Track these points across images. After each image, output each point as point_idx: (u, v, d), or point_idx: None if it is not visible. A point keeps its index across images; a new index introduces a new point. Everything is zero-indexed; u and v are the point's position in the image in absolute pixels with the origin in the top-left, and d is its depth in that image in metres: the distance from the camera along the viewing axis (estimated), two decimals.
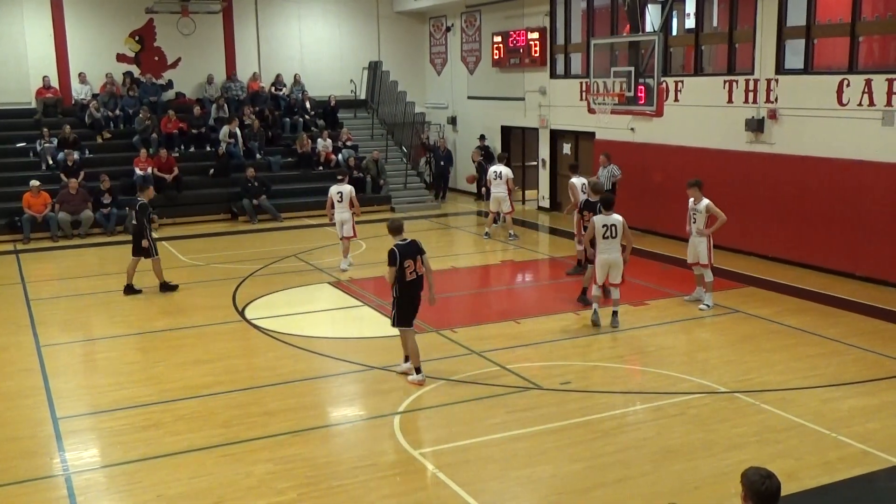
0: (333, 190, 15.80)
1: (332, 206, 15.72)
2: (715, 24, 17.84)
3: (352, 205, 15.70)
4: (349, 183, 16.38)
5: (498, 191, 18.44)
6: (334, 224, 15.88)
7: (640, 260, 15.82)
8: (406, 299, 9.94)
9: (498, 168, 18.60)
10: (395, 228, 10.08)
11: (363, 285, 14.75)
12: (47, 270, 16.90)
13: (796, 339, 11.34)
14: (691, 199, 12.76)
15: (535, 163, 23.45)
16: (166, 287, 14.48)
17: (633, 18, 17.08)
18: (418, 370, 9.95)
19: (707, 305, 12.72)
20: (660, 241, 17.49)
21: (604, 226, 11.76)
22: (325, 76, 26.60)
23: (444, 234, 20.21)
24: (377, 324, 12.51)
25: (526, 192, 24.38)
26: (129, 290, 14.35)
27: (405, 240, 10.00)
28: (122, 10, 24.26)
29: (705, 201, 12.60)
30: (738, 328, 11.96)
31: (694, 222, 12.76)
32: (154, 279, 14.52)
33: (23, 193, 19.58)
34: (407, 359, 10.19)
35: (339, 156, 23.87)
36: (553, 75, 22.06)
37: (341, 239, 15.86)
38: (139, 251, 14.25)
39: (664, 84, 17.58)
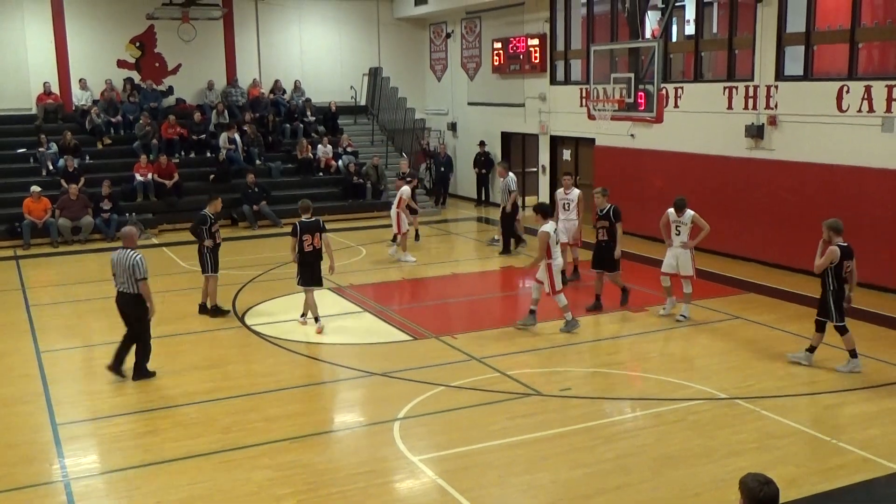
0: None
1: None
2: (715, 30, 17.88)
3: (398, 204, 17.18)
4: (407, 184, 17.91)
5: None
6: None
7: (640, 266, 15.85)
8: (303, 265, 12.25)
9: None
10: (304, 208, 12.33)
11: (363, 291, 14.75)
12: (47, 276, 16.90)
13: (796, 346, 11.32)
14: (671, 210, 12.61)
15: (535, 169, 23.47)
16: (216, 311, 13.23)
17: (633, 24, 17.10)
18: (317, 319, 12.33)
19: (684, 316, 12.55)
20: (660, 247, 17.46)
21: (555, 231, 12.02)
22: (326, 82, 26.64)
23: (444, 240, 20.20)
24: (377, 330, 12.50)
25: (526, 198, 24.37)
26: (216, 311, 13.23)
27: (310, 218, 12.23)
28: (123, 16, 24.30)
29: (690, 212, 12.49)
30: (738, 334, 11.96)
31: (678, 234, 12.59)
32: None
33: (23, 199, 19.59)
34: (305, 314, 12.53)
35: (340, 162, 23.88)
36: (553, 81, 22.09)
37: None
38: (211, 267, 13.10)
39: (664, 90, 17.60)
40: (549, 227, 11.90)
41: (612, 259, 13.03)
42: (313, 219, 12.33)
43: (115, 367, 10.46)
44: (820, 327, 10.42)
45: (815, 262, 10.22)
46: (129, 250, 10.26)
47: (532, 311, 12.19)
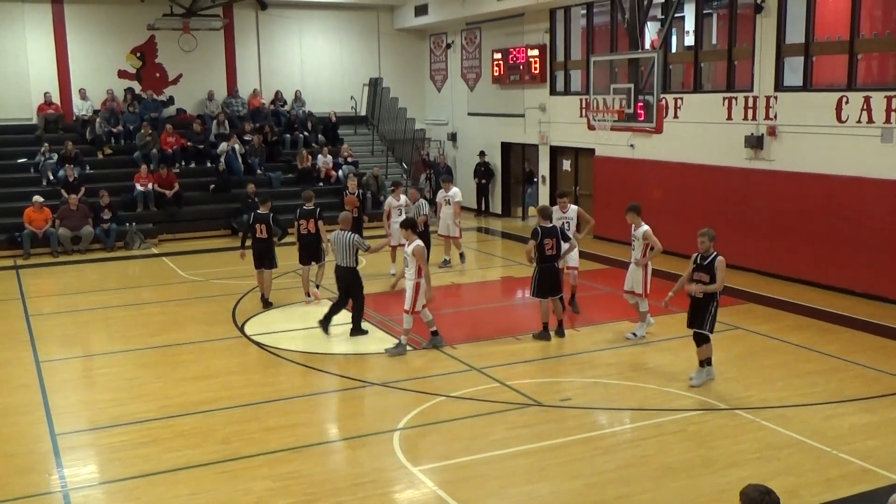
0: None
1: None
2: (714, 41, 17.93)
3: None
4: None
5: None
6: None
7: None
8: (300, 246, 14.49)
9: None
10: (306, 197, 14.76)
11: None
12: (47, 286, 16.90)
13: (796, 356, 11.33)
14: (632, 225, 12.20)
15: (535, 179, 23.50)
16: (267, 303, 14.40)
17: (633, 35, 17.16)
18: (317, 286, 14.78)
19: (634, 335, 12.21)
20: (659, 257, 17.46)
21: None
22: (326, 92, 26.69)
23: (443, 250, 20.16)
24: (377, 340, 12.49)
25: (528, 209, 24.41)
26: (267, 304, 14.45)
27: (309, 207, 14.50)
28: (124, 26, 24.36)
29: (643, 228, 12.06)
30: (737, 345, 11.95)
31: (633, 249, 12.24)
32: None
33: (23, 209, 19.61)
34: (308, 291, 14.56)
35: (340, 172, 23.91)
36: (553, 92, 22.14)
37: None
38: (261, 263, 14.28)
39: (663, 101, 17.65)
40: (422, 242, 11.65)
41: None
42: (311, 207, 14.45)
43: (325, 324, 12.61)
44: (705, 339, 10.14)
45: (718, 277, 9.72)
46: (345, 231, 12.55)
47: (435, 332, 11.83)
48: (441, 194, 17.83)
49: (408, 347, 11.78)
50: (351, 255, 12.40)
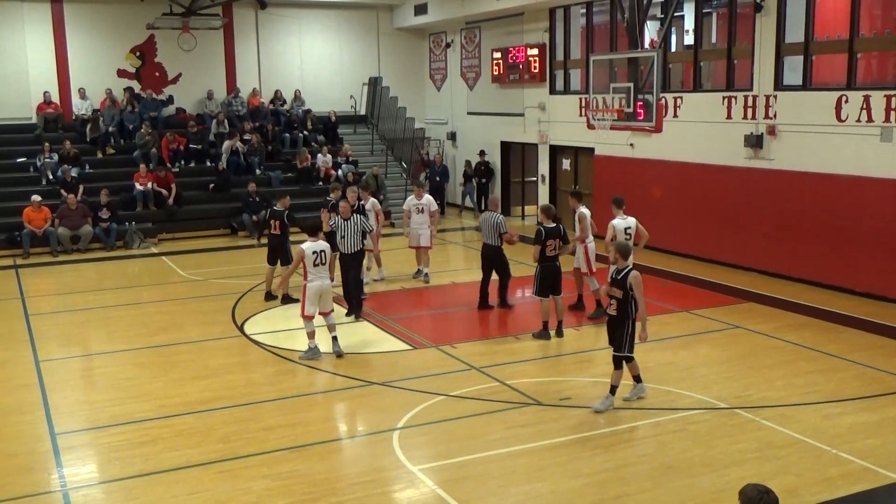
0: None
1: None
2: (714, 40, 17.92)
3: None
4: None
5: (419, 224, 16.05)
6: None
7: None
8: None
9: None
10: (331, 188, 15.68)
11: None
12: (46, 285, 16.90)
13: (796, 355, 11.33)
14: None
15: (535, 178, 23.50)
16: (288, 299, 14.50)
17: (633, 34, 17.14)
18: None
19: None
20: (659, 256, 17.49)
21: (313, 252, 11.26)
22: (326, 92, 26.69)
23: (441, 249, 20.17)
24: (376, 339, 12.49)
25: (526, 207, 24.44)
26: (269, 296, 14.81)
27: (330, 200, 15.11)
28: (123, 25, 24.36)
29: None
30: (737, 344, 11.95)
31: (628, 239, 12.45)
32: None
33: (22, 208, 19.61)
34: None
35: (339, 171, 23.92)
36: (552, 91, 22.13)
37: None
38: (275, 259, 14.60)
39: (663, 100, 17.64)
40: (306, 245, 11.27)
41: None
42: (333, 201, 14.87)
43: (503, 303, 13.88)
44: (622, 363, 9.54)
45: (640, 294, 9.29)
46: (493, 213, 13.53)
47: (334, 338, 11.57)
48: (410, 201, 16.11)
49: (320, 352, 11.48)
50: (496, 234, 13.39)
